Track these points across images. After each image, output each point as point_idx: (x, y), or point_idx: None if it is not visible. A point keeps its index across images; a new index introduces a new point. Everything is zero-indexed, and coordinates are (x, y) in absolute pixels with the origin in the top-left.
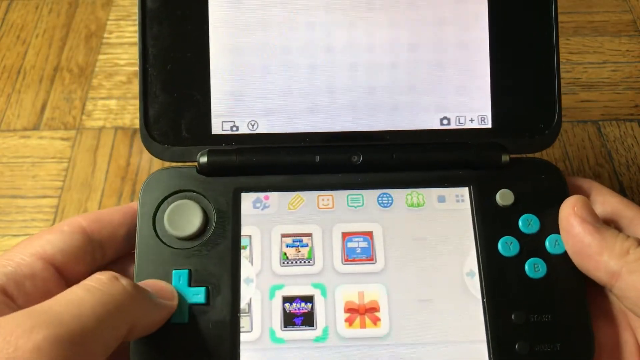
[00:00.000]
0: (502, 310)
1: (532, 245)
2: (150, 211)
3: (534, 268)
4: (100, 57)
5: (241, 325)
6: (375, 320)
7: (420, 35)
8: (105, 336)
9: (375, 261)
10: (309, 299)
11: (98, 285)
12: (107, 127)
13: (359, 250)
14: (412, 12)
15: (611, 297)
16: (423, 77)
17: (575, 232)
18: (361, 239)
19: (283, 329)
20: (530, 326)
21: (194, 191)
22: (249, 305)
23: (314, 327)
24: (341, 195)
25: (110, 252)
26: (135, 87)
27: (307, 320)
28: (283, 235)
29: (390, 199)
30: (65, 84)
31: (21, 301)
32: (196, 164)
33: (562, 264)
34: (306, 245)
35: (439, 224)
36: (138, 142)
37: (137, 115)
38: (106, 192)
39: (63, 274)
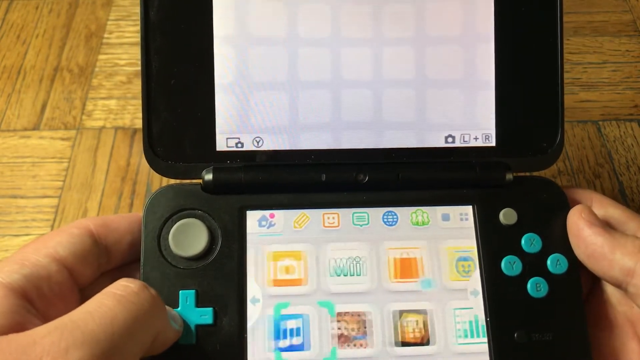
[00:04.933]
0: (505, 329)
1: (534, 265)
2: (154, 230)
3: (536, 287)
4: (100, 57)
5: (248, 345)
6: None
7: (427, 54)
8: (134, 350)
9: None
10: None
11: (129, 296)
12: (107, 127)
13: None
14: (419, 31)
15: (618, 307)
16: (429, 96)
17: (585, 235)
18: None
19: (290, 348)
20: (532, 345)
21: (198, 209)
22: (256, 325)
23: (321, 347)
24: (347, 214)
25: (115, 258)
26: (135, 87)
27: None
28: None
29: (395, 217)
30: (65, 84)
31: (39, 305)
32: (201, 181)
33: (563, 283)
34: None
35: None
36: (138, 142)
37: (137, 115)
38: (106, 192)
39: (74, 276)
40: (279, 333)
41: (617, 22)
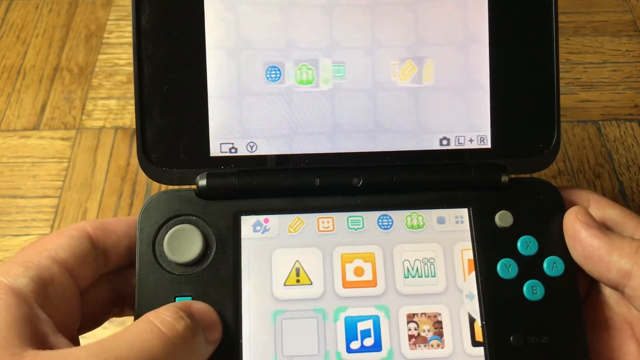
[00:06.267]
0: (500, 332)
1: (530, 268)
2: (149, 236)
3: (532, 290)
4: (100, 57)
5: (244, 351)
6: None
7: (421, 56)
8: None
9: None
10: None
11: (167, 331)
12: (107, 127)
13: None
14: (413, 34)
15: (615, 308)
16: (423, 98)
17: (582, 237)
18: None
19: (285, 354)
20: (529, 348)
21: (193, 215)
22: (251, 330)
23: (317, 353)
24: (341, 218)
25: (112, 261)
26: None
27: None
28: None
29: (390, 220)
30: (65, 84)
31: (45, 307)
32: (195, 187)
33: (559, 286)
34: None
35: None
36: None
37: None
38: (106, 192)
39: (74, 278)
40: (276, 338)
41: (617, 22)
